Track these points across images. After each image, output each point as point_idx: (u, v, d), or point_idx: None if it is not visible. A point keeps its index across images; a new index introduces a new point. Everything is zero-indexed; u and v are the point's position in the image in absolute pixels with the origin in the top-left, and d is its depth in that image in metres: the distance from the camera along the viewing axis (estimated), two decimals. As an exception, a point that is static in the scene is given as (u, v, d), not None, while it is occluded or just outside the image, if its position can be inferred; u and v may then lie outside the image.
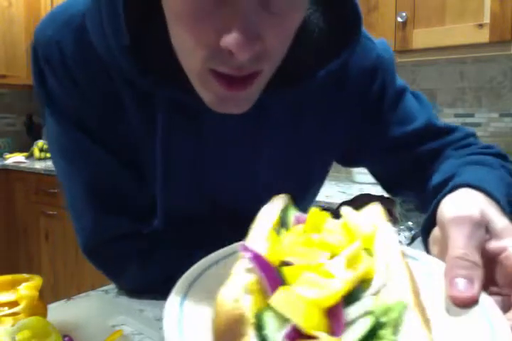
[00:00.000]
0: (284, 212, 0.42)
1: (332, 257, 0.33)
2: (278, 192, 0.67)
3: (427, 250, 0.49)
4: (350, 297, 0.30)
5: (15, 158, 2.89)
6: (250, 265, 0.32)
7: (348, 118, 0.67)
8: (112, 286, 0.67)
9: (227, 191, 0.65)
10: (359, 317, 0.29)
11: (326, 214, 0.39)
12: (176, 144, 0.60)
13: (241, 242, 0.37)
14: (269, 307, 0.29)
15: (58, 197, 2.58)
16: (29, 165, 2.77)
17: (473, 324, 0.33)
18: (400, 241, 0.82)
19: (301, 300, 0.28)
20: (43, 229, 2.73)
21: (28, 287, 0.48)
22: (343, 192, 1.74)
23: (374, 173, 0.78)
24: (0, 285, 0.49)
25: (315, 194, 0.79)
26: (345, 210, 0.41)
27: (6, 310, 0.46)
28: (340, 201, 1.52)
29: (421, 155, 0.68)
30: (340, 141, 0.69)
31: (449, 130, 0.70)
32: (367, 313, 0.29)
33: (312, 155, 0.68)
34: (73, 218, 0.64)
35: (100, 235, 0.62)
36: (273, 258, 0.33)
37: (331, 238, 0.35)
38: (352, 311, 0.30)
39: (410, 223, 0.94)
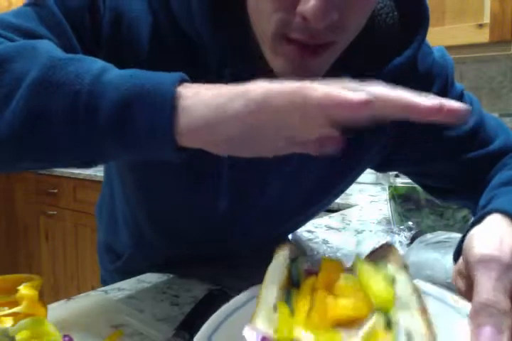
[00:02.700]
0: (293, 265, 0.40)
1: (349, 325, 0.31)
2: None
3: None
4: None
5: (15, 158, 2.89)
6: None
7: (398, 123, 0.64)
8: (112, 286, 0.67)
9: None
10: None
11: (339, 267, 0.37)
12: None
13: (247, 325, 0.33)
14: None
15: (58, 197, 2.58)
16: (29, 165, 2.77)
17: None
18: (400, 242, 0.82)
19: None
20: (43, 229, 2.72)
21: (28, 287, 0.48)
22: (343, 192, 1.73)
23: (423, 183, 0.75)
24: (0, 285, 0.49)
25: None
26: (358, 264, 0.38)
27: (6, 310, 0.46)
28: (340, 201, 1.52)
29: (472, 163, 0.66)
30: (384, 133, 0.67)
31: (502, 134, 0.67)
32: None
33: (356, 159, 0.67)
34: None
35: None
36: (283, 337, 0.31)
37: (345, 303, 0.33)
38: None
39: (410, 223, 0.94)
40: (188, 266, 0.74)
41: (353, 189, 1.83)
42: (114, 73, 0.40)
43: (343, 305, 0.33)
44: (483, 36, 1.49)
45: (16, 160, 0.45)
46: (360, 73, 0.55)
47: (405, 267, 0.38)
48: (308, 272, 0.39)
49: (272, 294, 0.36)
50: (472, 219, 0.48)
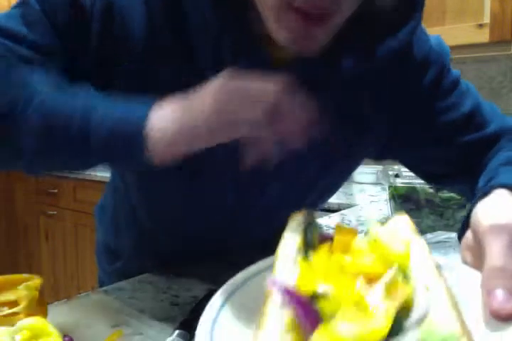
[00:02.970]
0: (308, 229, 0.41)
1: (366, 281, 0.32)
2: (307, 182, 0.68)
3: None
4: (393, 327, 0.29)
5: (15, 158, 2.89)
6: (283, 302, 0.31)
7: (395, 108, 0.66)
8: (112, 286, 0.67)
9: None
10: None
11: (353, 231, 0.38)
12: None
13: (269, 275, 0.35)
14: None
15: (58, 197, 2.58)
16: (29, 165, 2.76)
17: None
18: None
19: (344, 338, 0.27)
20: (43, 229, 2.73)
21: (28, 287, 0.48)
22: (343, 192, 1.73)
23: (418, 169, 0.76)
24: (0, 285, 0.49)
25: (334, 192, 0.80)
26: (373, 227, 0.40)
27: (6, 310, 0.46)
28: (340, 201, 1.52)
29: (469, 147, 0.67)
30: (383, 132, 0.68)
31: (497, 118, 0.68)
32: None
33: (355, 144, 0.67)
34: None
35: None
36: (305, 287, 0.32)
37: (363, 260, 0.34)
38: None
39: (410, 223, 0.94)
40: (188, 265, 0.74)
41: (353, 189, 1.83)
42: (100, 109, 0.48)
43: (361, 262, 0.34)
44: (483, 36, 1.49)
45: (16, 159, 0.54)
46: (358, 50, 0.57)
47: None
48: (322, 237, 0.40)
49: (291, 251, 0.37)
50: (476, 195, 0.48)
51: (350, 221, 1.18)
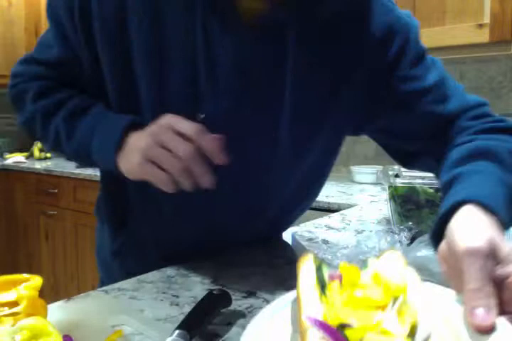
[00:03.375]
0: (319, 271, 0.46)
1: (377, 309, 0.38)
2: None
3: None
4: None
5: (15, 158, 2.89)
6: (322, 334, 0.36)
7: (361, 72, 0.68)
8: (112, 286, 0.67)
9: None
10: None
11: (357, 270, 0.44)
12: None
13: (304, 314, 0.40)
14: None
15: (58, 197, 2.58)
16: (29, 165, 2.77)
17: None
18: (400, 242, 0.83)
19: None
20: (43, 229, 2.73)
21: (28, 287, 0.48)
22: (343, 192, 1.74)
23: (387, 143, 0.77)
24: (0, 285, 0.49)
25: (322, 182, 0.81)
26: (372, 263, 0.46)
27: (6, 310, 0.46)
28: (340, 201, 1.52)
29: (431, 119, 0.68)
30: (353, 100, 0.69)
31: (459, 95, 0.70)
32: None
33: (327, 109, 0.69)
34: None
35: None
36: (332, 320, 0.37)
37: (372, 293, 0.40)
38: None
39: (410, 223, 0.94)
40: (189, 265, 0.75)
41: (353, 189, 1.83)
42: (97, 139, 0.66)
43: (371, 295, 0.40)
44: (483, 36, 1.49)
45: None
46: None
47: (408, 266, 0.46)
48: (331, 277, 0.45)
49: (311, 290, 0.43)
50: (444, 207, 0.52)
51: (350, 221, 1.18)
